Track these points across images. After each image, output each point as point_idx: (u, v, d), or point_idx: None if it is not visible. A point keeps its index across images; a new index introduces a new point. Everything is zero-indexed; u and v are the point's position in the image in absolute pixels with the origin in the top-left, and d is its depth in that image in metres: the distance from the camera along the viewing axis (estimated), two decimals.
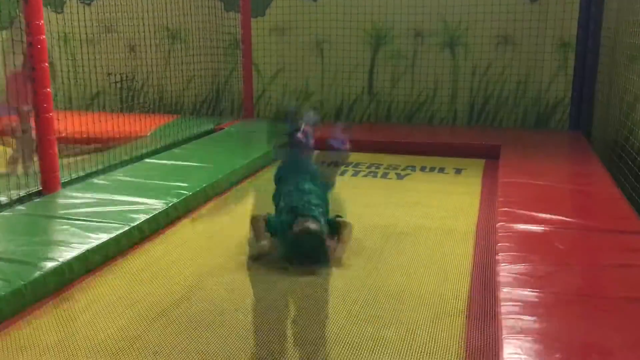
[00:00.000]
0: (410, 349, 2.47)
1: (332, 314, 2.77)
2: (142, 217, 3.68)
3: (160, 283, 3.11)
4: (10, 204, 3.93)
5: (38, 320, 2.70)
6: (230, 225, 4.02)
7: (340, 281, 3.13)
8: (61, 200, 4.02)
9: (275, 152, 4.32)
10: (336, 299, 2.92)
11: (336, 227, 3.51)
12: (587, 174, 4.77)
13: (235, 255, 3.46)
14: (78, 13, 7.35)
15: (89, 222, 3.55)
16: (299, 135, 3.97)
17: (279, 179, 3.85)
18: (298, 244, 3.28)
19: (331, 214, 3.63)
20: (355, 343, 2.52)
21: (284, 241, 3.37)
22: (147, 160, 5.32)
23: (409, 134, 6.74)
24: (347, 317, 2.74)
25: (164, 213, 3.89)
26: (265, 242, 3.38)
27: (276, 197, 3.75)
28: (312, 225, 3.25)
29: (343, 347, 2.49)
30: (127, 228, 3.51)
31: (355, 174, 5.42)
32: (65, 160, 4.69)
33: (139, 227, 3.61)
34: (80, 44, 8.04)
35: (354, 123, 4.28)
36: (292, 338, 2.55)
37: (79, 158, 5.22)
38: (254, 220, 3.55)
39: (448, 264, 3.37)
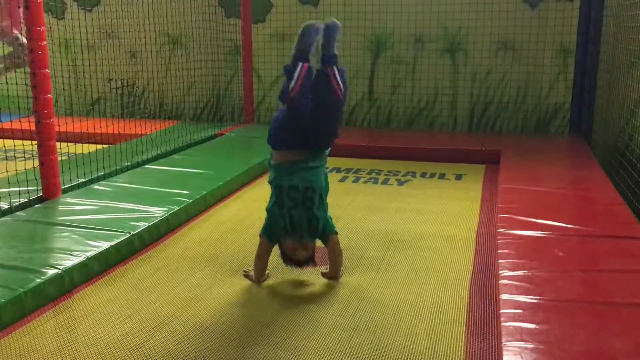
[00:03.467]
0: (409, 358, 2.47)
1: (331, 325, 2.76)
2: (143, 225, 3.67)
3: (161, 292, 3.10)
4: (12, 209, 3.93)
5: (38, 329, 2.69)
6: (232, 233, 4.01)
7: (340, 290, 3.12)
8: (62, 207, 4.02)
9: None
10: (335, 310, 2.91)
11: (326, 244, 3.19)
12: (587, 179, 4.77)
13: (236, 265, 3.46)
14: (79, 19, 7.38)
15: (89, 230, 3.54)
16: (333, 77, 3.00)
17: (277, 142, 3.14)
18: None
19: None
20: (354, 353, 2.51)
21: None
22: (148, 166, 5.32)
23: (409, 139, 6.74)
24: (346, 327, 2.73)
25: (165, 221, 3.87)
26: (263, 280, 3.24)
27: (270, 164, 3.16)
28: (302, 257, 3.10)
29: (342, 357, 2.48)
30: (127, 236, 3.50)
31: (356, 180, 5.42)
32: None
33: (139, 235, 3.59)
34: (81, 49, 8.07)
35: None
36: (292, 347, 2.55)
37: None
38: (258, 260, 3.19)
39: (448, 272, 3.36)
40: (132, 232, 3.56)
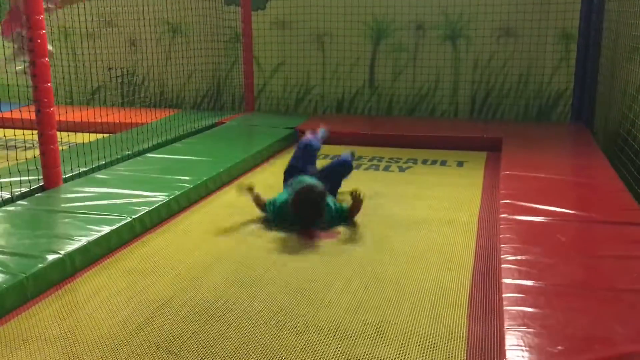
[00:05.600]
0: (411, 338, 2.48)
1: (333, 303, 2.77)
2: (144, 209, 3.69)
3: (162, 274, 3.12)
4: (13, 199, 3.93)
5: (41, 313, 2.71)
6: (232, 217, 4.02)
7: (342, 271, 3.14)
8: (63, 195, 4.03)
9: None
10: (337, 289, 2.93)
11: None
12: (589, 166, 4.76)
13: (236, 246, 3.48)
14: (78, 7, 7.33)
15: (90, 215, 3.56)
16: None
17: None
18: (301, 200, 3.59)
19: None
20: (356, 332, 2.53)
21: (286, 208, 3.70)
22: (149, 154, 5.31)
23: (410, 127, 6.73)
24: (348, 306, 2.75)
25: (166, 205, 3.90)
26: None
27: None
28: (316, 185, 3.66)
29: (345, 335, 2.50)
30: (128, 220, 3.53)
31: (357, 167, 5.39)
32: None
33: (140, 219, 3.62)
34: (81, 38, 8.03)
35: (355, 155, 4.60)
36: (294, 327, 2.56)
37: None
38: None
39: (450, 255, 3.37)
40: (133, 217, 3.57)
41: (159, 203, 3.85)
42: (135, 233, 3.58)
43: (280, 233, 3.67)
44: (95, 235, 3.27)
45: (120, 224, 3.46)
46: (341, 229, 3.76)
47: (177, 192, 4.06)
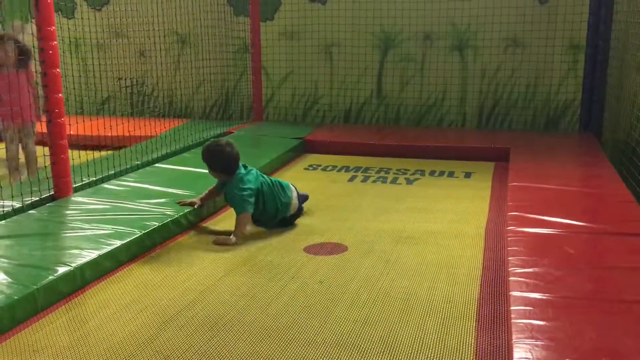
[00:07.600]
0: (419, 352, 2.48)
1: (341, 317, 2.78)
2: (153, 225, 3.67)
3: (171, 288, 3.13)
4: (23, 208, 3.96)
5: (51, 324, 2.73)
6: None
7: (349, 285, 3.14)
8: (73, 205, 4.05)
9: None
10: (345, 303, 2.93)
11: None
12: (597, 176, 4.75)
13: (245, 261, 3.49)
14: (89, 18, 7.43)
15: (101, 227, 3.57)
16: None
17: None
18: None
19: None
20: (364, 346, 2.53)
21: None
22: (158, 164, 5.34)
23: (418, 137, 6.74)
24: (356, 320, 2.75)
25: (176, 221, 3.87)
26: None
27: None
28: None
29: (353, 350, 2.50)
30: (138, 235, 3.52)
31: (364, 180, 5.41)
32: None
33: (149, 234, 3.60)
34: (91, 49, 8.12)
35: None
36: (302, 341, 2.57)
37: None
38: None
39: (458, 268, 3.37)
40: (143, 231, 3.57)
41: (169, 219, 3.82)
42: (145, 248, 3.57)
43: (289, 246, 3.68)
44: (105, 249, 3.27)
45: (130, 238, 3.45)
46: (348, 243, 3.75)
47: (187, 208, 4.03)
